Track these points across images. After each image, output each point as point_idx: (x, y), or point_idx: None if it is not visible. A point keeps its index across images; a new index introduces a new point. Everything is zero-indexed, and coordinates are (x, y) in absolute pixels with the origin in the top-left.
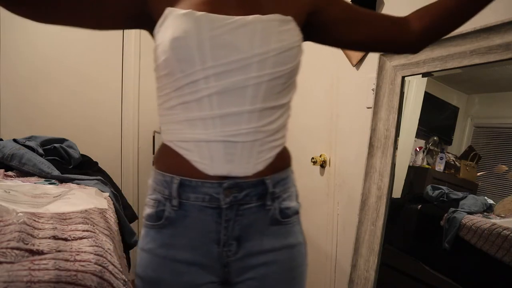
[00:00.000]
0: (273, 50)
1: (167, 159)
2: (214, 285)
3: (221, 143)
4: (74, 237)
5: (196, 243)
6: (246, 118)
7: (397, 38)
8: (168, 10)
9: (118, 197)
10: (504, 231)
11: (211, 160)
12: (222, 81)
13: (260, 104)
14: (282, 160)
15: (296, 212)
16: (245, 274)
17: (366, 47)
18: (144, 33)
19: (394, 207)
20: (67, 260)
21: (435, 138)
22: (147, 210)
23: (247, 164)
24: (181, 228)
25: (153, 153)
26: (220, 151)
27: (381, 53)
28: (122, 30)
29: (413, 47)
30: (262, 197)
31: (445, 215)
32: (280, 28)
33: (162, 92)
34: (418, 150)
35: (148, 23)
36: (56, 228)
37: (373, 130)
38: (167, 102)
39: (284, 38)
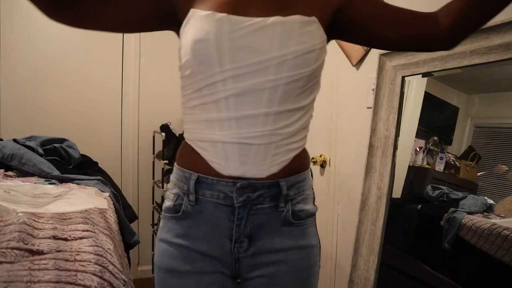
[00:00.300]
0: (292, 53)
1: (187, 156)
2: (225, 277)
3: (236, 144)
4: (74, 237)
5: (210, 237)
6: (261, 120)
7: (428, 36)
8: (192, 11)
9: (118, 197)
10: (504, 231)
11: (226, 161)
12: (240, 83)
13: (276, 107)
14: (300, 163)
15: (311, 215)
16: (255, 271)
17: (395, 45)
18: (144, 33)
19: (394, 207)
20: (67, 260)
21: (435, 138)
22: (166, 203)
23: (261, 166)
24: (196, 222)
25: (153, 153)
26: (235, 153)
27: (409, 51)
28: None
29: (443, 45)
30: (275, 199)
31: (445, 215)
32: (301, 30)
33: (185, 92)
34: (418, 150)
35: (176, 24)
36: (56, 228)
37: (373, 130)
38: (189, 102)
39: (304, 41)
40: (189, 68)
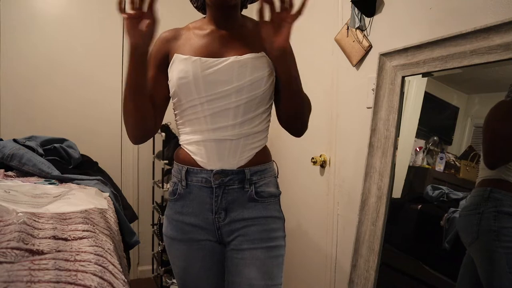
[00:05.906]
0: (248, 81)
1: (181, 155)
2: (212, 243)
3: (214, 142)
4: (74, 237)
5: (197, 211)
6: (230, 128)
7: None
8: (175, 56)
9: (118, 197)
10: None
11: (207, 159)
12: (212, 105)
13: (240, 118)
14: (261, 157)
15: (273, 195)
16: (233, 234)
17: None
18: None
19: (394, 207)
20: (67, 260)
21: (435, 138)
22: (169, 190)
23: (233, 161)
24: (187, 201)
25: (153, 153)
26: (214, 151)
27: None
28: (121, 28)
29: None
30: (241, 182)
31: (445, 215)
32: (253, 63)
33: (175, 111)
34: (418, 150)
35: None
36: (56, 228)
37: (373, 130)
38: (179, 119)
39: (256, 71)
40: (176, 96)
